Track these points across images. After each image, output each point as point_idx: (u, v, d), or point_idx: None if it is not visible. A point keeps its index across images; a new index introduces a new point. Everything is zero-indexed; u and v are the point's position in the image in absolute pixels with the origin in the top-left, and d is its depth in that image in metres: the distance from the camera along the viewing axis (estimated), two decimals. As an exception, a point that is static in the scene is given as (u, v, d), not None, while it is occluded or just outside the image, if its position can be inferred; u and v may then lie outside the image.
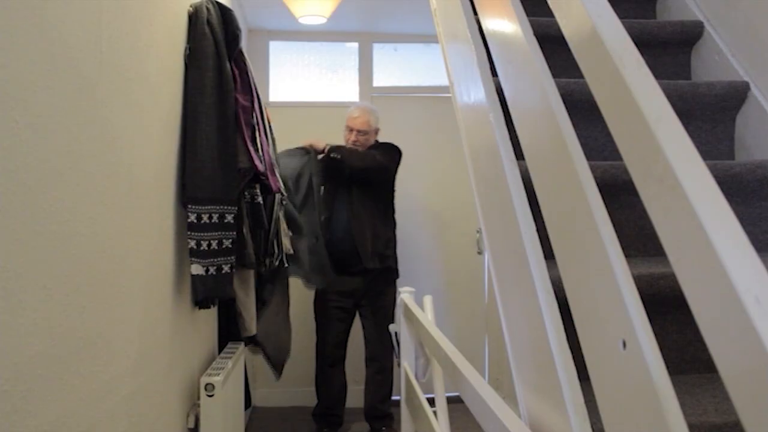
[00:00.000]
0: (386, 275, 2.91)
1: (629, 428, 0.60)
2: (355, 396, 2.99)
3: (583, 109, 1.40)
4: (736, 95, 1.54)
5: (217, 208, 1.67)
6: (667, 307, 1.13)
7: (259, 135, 1.94)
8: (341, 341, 2.96)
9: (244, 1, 3.04)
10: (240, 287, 2.15)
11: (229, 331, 2.25)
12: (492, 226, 1.17)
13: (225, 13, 1.78)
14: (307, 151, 2.82)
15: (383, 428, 2.89)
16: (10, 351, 0.78)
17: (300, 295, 2.89)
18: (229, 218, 1.71)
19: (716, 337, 0.46)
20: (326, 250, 2.74)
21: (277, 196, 2.34)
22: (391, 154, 2.93)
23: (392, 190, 2.96)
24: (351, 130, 2.95)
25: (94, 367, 1.05)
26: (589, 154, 1.42)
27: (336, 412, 2.91)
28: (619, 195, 1.31)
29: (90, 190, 1.03)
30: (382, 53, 3.64)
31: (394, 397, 2.85)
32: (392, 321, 2.91)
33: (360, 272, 2.86)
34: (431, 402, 1.66)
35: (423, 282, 3.38)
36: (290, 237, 2.50)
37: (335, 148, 2.83)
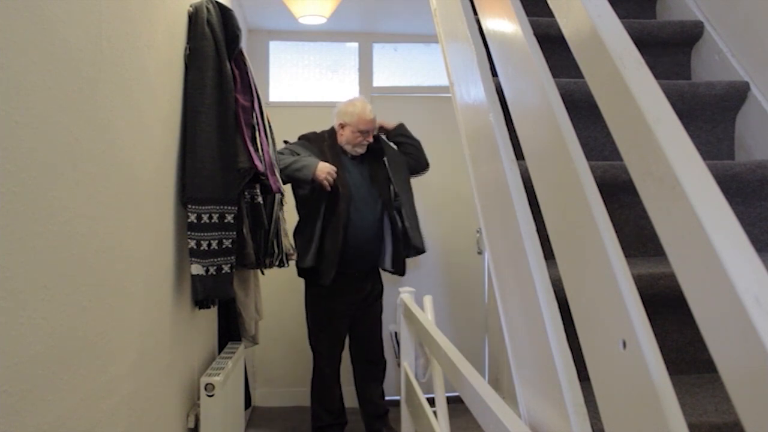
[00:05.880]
0: (378, 272, 2.89)
1: (629, 428, 0.60)
2: (348, 396, 2.97)
3: (583, 109, 1.40)
4: (736, 95, 1.54)
5: (217, 208, 1.67)
6: (667, 307, 1.13)
7: (259, 135, 1.94)
8: (341, 350, 2.85)
9: (244, 1, 3.04)
10: (240, 287, 2.16)
11: (229, 331, 2.25)
12: (492, 226, 1.17)
13: (225, 13, 1.78)
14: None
15: (383, 429, 2.87)
16: (10, 351, 0.78)
17: (298, 294, 2.88)
18: (229, 218, 1.71)
19: (716, 337, 0.46)
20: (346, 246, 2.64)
21: (277, 196, 2.34)
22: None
23: None
24: (369, 132, 2.71)
25: (94, 367, 1.05)
26: (589, 154, 1.43)
27: (341, 420, 2.88)
28: (619, 195, 1.31)
29: (90, 190, 1.03)
30: (382, 53, 3.64)
31: (394, 397, 2.85)
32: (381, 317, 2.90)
33: (372, 271, 2.80)
34: (431, 402, 1.66)
35: (423, 282, 3.38)
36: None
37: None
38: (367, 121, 2.69)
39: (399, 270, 2.81)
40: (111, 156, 1.13)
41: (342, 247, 2.62)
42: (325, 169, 2.56)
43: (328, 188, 2.57)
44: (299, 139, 2.82)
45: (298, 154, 2.66)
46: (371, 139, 2.74)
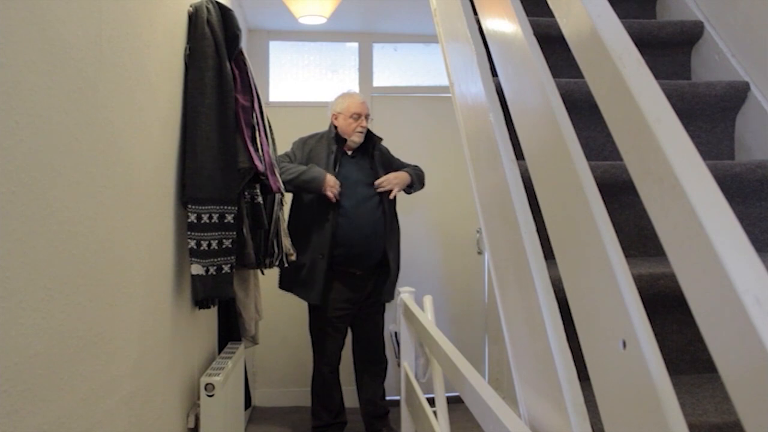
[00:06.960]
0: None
1: (629, 428, 0.60)
2: (348, 396, 2.97)
3: (583, 109, 1.40)
4: (736, 95, 1.54)
5: (217, 208, 1.67)
6: (667, 307, 1.13)
7: (259, 135, 1.94)
8: (341, 349, 2.86)
9: (244, 1, 3.04)
10: (240, 287, 2.16)
11: (229, 331, 2.25)
12: (492, 226, 1.17)
13: (225, 13, 1.78)
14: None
15: (384, 429, 2.87)
16: (10, 351, 0.78)
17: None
18: (229, 218, 1.71)
19: (716, 337, 0.45)
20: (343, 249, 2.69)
21: (277, 196, 2.34)
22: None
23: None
24: (361, 116, 2.76)
25: (94, 367, 1.05)
26: (589, 154, 1.43)
27: (340, 419, 2.88)
28: (619, 195, 1.31)
29: (90, 190, 1.03)
30: (382, 53, 3.64)
31: (394, 397, 2.85)
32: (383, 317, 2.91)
33: (374, 270, 2.80)
34: (431, 402, 1.66)
35: (423, 282, 3.38)
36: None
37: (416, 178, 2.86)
38: (357, 104, 2.76)
39: (388, 295, 2.83)
40: (111, 156, 1.13)
41: (332, 242, 2.66)
42: (330, 182, 2.66)
43: (333, 200, 2.66)
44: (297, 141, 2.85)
45: (296, 158, 2.74)
46: (366, 124, 2.77)
